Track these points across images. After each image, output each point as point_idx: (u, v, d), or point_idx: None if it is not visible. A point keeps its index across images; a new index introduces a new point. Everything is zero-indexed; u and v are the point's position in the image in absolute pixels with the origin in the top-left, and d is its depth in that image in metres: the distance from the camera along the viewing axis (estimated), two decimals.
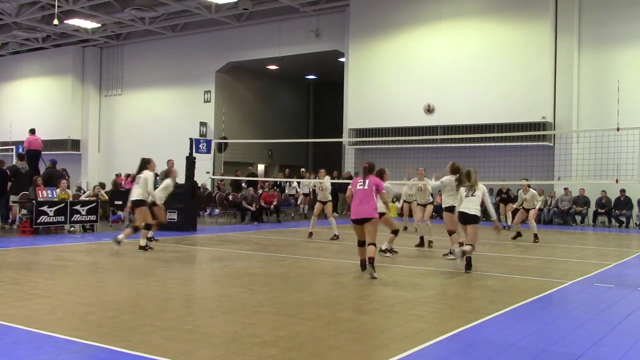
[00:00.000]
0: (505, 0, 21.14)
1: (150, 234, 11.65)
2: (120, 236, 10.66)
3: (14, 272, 8.30)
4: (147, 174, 11.00)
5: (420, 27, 22.60)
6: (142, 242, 11.08)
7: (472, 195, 9.11)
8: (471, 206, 9.04)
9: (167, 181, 12.91)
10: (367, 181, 8.53)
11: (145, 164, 11.14)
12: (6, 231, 14.40)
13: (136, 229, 10.95)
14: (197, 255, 11.13)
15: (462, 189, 9.33)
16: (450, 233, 10.40)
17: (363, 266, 8.57)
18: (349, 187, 8.96)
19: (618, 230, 18.50)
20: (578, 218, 20.26)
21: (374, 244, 8.40)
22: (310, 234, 14.07)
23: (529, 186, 15.38)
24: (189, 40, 28.91)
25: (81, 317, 5.77)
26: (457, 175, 9.98)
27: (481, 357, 4.80)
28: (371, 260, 8.28)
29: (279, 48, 26.20)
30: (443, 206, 10.68)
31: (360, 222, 8.48)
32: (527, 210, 15.14)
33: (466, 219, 9.07)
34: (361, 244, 8.59)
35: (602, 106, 19.84)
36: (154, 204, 11.60)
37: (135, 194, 10.93)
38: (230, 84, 29.00)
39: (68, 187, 15.61)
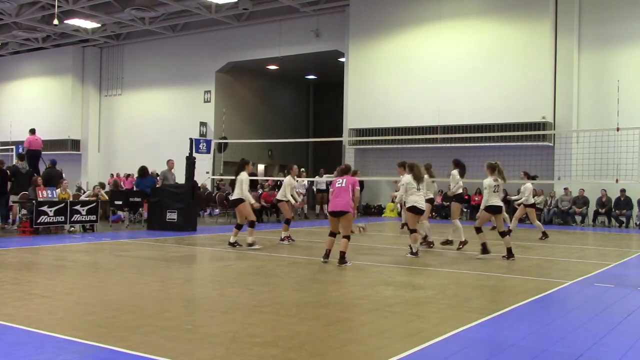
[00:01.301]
0: (505, 0, 21.14)
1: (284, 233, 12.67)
2: (249, 239, 11.52)
3: (14, 272, 8.30)
4: (243, 176, 11.57)
5: (420, 27, 22.60)
6: (232, 239, 11.68)
7: (497, 191, 10.64)
8: (499, 199, 10.70)
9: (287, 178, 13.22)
10: (344, 180, 9.63)
11: (242, 165, 11.79)
12: (6, 231, 14.40)
13: (252, 224, 11.59)
14: (197, 255, 11.12)
15: (491, 185, 10.52)
16: (412, 231, 10.65)
17: (327, 256, 9.55)
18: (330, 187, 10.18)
19: (618, 230, 18.50)
20: (578, 218, 20.26)
21: (348, 237, 9.45)
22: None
23: (527, 177, 14.85)
24: (189, 40, 28.91)
25: (81, 317, 5.77)
26: (412, 173, 10.71)
27: (481, 357, 4.80)
28: (342, 253, 9.32)
29: (279, 48, 26.20)
30: (406, 205, 10.81)
31: (336, 215, 9.51)
32: (526, 207, 14.85)
33: (496, 210, 10.59)
34: (332, 234, 9.62)
35: (602, 106, 19.84)
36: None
37: (235, 193, 11.67)
38: (230, 84, 29.00)
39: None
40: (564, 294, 7.62)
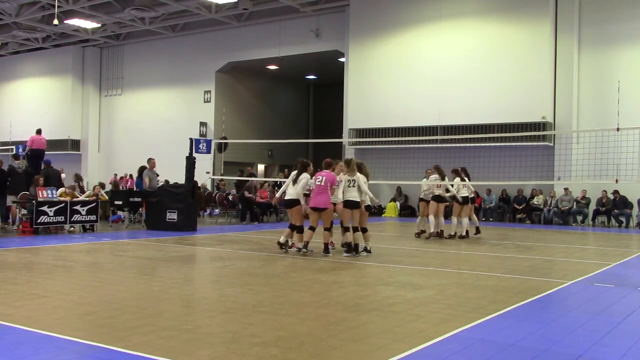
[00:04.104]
0: (505, 0, 21.14)
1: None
2: (281, 238, 11.04)
3: (14, 272, 8.29)
4: (305, 176, 10.90)
5: (420, 27, 22.60)
6: (282, 238, 11.09)
7: (353, 186, 10.56)
8: (356, 193, 10.60)
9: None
10: (324, 178, 10.39)
11: (305, 166, 11.07)
12: (6, 231, 14.40)
13: (293, 229, 11.05)
14: (197, 255, 11.12)
15: (345, 178, 10.60)
16: (347, 229, 10.70)
17: (326, 249, 10.56)
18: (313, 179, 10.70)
19: (618, 230, 18.49)
20: (578, 218, 20.25)
21: (329, 229, 10.55)
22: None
23: (457, 175, 14.25)
24: (189, 40, 28.91)
25: (81, 317, 5.77)
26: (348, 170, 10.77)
27: (481, 357, 4.80)
28: (326, 245, 10.54)
29: (279, 48, 26.20)
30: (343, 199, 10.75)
31: (317, 210, 10.44)
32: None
33: (354, 205, 10.60)
34: (312, 228, 10.55)
35: (602, 106, 19.84)
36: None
37: (293, 193, 10.95)
38: (230, 84, 29.00)
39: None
40: (564, 294, 7.62)
